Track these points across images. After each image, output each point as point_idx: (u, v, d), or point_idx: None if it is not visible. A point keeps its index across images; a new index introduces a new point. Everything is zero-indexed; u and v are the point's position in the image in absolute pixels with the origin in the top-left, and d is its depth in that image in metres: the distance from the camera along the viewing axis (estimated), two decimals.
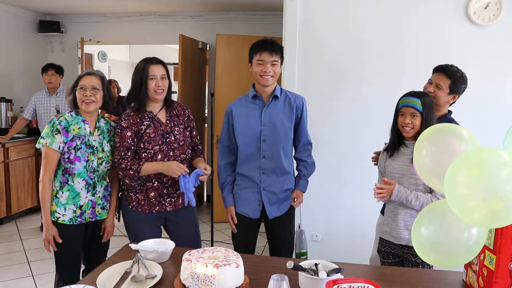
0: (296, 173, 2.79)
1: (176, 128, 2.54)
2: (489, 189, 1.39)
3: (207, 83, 6.13)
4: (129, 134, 2.45)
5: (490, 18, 3.41)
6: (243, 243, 2.69)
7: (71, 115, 2.49)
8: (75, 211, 2.47)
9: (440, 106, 2.48)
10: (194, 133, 2.66)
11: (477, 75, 3.44)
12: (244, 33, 5.34)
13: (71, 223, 2.47)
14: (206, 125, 6.16)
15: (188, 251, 1.74)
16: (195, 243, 2.61)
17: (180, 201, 2.58)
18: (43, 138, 2.42)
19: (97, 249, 2.66)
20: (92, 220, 2.54)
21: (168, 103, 2.57)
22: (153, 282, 1.70)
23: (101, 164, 2.51)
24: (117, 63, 8.67)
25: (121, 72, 8.67)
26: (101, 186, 2.56)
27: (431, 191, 2.18)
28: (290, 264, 1.64)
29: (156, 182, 2.50)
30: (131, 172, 2.40)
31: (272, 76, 2.50)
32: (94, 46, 7.24)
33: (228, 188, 2.72)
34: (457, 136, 1.62)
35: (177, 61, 5.21)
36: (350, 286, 1.50)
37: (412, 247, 2.17)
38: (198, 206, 5.64)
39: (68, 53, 6.55)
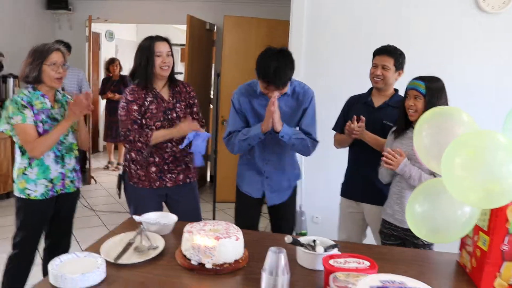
0: (301, 167, 2.81)
1: (177, 105, 2.58)
2: (486, 171, 1.42)
3: (213, 64, 6.14)
4: (135, 107, 2.48)
5: (499, 6, 3.39)
6: (246, 221, 2.72)
7: (29, 91, 2.46)
8: (46, 185, 2.48)
9: (389, 86, 2.61)
10: (195, 109, 2.68)
11: (485, 62, 3.46)
12: (252, 15, 5.33)
13: (44, 198, 2.48)
14: (211, 106, 6.19)
15: (189, 223, 1.78)
16: (196, 220, 2.66)
17: (181, 177, 2.62)
18: (12, 118, 2.36)
19: (62, 223, 2.68)
20: (63, 192, 2.56)
21: (172, 80, 2.60)
22: (156, 253, 1.75)
23: (67, 135, 2.54)
24: (124, 42, 8.67)
25: (128, 51, 8.67)
26: (70, 158, 2.59)
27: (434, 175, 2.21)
28: (288, 239, 1.68)
29: (157, 158, 2.54)
30: (139, 144, 2.45)
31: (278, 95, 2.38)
32: (101, 24, 7.25)
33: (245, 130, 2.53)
34: (457, 119, 1.65)
35: (184, 42, 5.22)
36: (346, 261, 1.55)
37: None
38: (201, 186, 5.71)
39: (75, 30, 6.57)
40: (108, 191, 5.74)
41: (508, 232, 1.55)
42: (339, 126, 2.82)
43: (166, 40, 2.53)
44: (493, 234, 1.57)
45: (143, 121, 2.50)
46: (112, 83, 6.57)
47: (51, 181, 2.49)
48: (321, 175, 3.76)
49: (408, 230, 2.26)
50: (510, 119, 1.59)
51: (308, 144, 2.53)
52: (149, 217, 2.03)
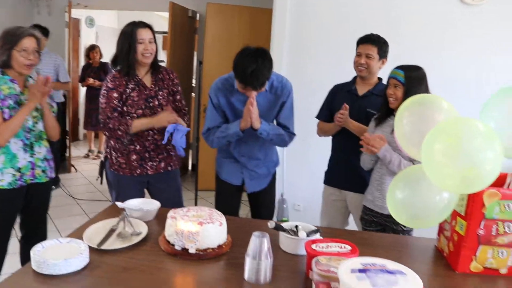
0: (283, 156, 2.81)
1: (160, 93, 2.55)
2: (464, 158, 1.46)
3: (195, 53, 6.10)
4: (115, 95, 2.46)
5: None
6: (226, 208, 2.72)
7: None
8: (14, 175, 2.38)
9: (373, 74, 2.65)
10: (179, 97, 2.66)
11: (466, 52, 3.52)
12: (235, 2, 5.30)
13: (11, 187, 2.38)
14: (193, 94, 6.16)
15: (173, 209, 1.79)
16: (178, 207, 2.66)
17: (163, 165, 2.62)
18: None
19: (36, 213, 2.62)
20: (33, 182, 2.46)
21: (154, 67, 2.58)
22: (139, 238, 1.75)
23: (36, 123, 2.45)
24: (104, 29, 8.54)
25: (109, 38, 8.54)
26: (40, 146, 2.49)
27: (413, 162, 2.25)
28: (271, 224, 1.70)
29: (138, 146, 2.53)
30: (119, 133, 2.43)
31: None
32: (81, 11, 7.11)
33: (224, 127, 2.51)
34: (437, 107, 1.68)
35: (166, 30, 5.18)
36: (328, 245, 1.57)
37: None
38: (183, 174, 5.70)
39: (54, 16, 6.43)
40: (88, 180, 5.68)
41: (484, 217, 1.60)
42: (323, 114, 2.85)
43: (149, 26, 2.50)
44: (470, 219, 1.62)
45: (124, 108, 2.48)
46: (92, 70, 6.47)
47: (19, 170, 2.39)
48: (303, 164, 3.79)
49: (388, 216, 2.32)
50: (488, 107, 1.63)
51: (286, 138, 2.54)
52: (132, 204, 2.02)
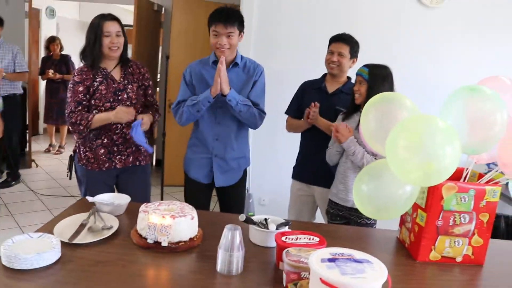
0: (249, 161, 2.81)
1: (129, 86, 2.55)
2: (425, 153, 1.54)
3: (160, 47, 6.05)
4: (81, 89, 2.44)
5: (437, 1, 3.60)
6: (195, 206, 2.70)
7: None
8: None
9: (344, 73, 2.74)
10: (150, 91, 2.66)
11: (423, 53, 3.67)
12: None
13: None
14: (158, 88, 6.11)
15: (144, 204, 1.81)
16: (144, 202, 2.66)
17: (131, 159, 2.61)
18: None
19: None
20: None
21: (123, 60, 2.57)
22: (110, 232, 1.76)
23: None
24: (66, 20, 8.32)
25: (70, 31, 8.35)
26: None
27: (374, 157, 2.35)
28: (242, 217, 1.75)
29: (105, 139, 2.51)
30: (81, 128, 2.41)
31: (228, 49, 2.42)
32: (41, 1, 6.93)
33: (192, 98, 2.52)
34: (401, 104, 1.76)
35: (131, 23, 5.12)
36: (298, 237, 1.63)
37: (357, 209, 2.34)
38: None
39: (12, 5, 6.21)
40: (50, 175, 5.56)
41: (442, 209, 1.70)
42: (292, 110, 2.91)
43: (116, 19, 2.48)
44: (430, 210, 1.71)
45: (92, 101, 2.46)
46: (53, 62, 6.33)
47: None
48: (268, 159, 3.86)
49: (352, 209, 2.41)
50: (447, 106, 1.73)
51: (255, 113, 2.51)
52: (102, 198, 2.03)
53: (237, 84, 2.51)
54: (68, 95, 2.47)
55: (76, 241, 1.68)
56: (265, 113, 2.61)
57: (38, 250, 1.50)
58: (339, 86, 2.73)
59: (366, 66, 2.35)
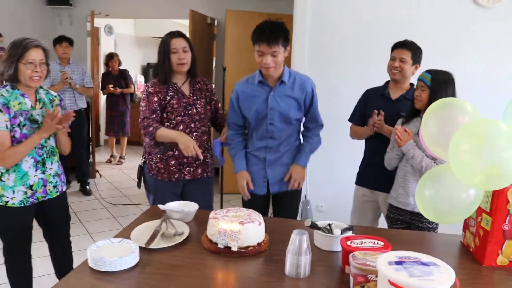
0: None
1: (198, 102, 2.66)
2: (488, 157, 1.55)
3: (214, 58, 6.23)
4: (155, 99, 2.57)
5: (494, 0, 3.53)
6: None
7: (7, 90, 2.29)
8: (25, 192, 2.35)
9: (406, 78, 2.73)
10: (219, 105, 2.80)
11: (482, 55, 3.59)
12: (253, 9, 5.42)
13: (22, 205, 2.35)
14: None
15: (213, 211, 1.91)
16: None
17: (199, 171, 2.71)
18: None
19: (55, 225, 2.62)
20: (45, 199, 2.45)
21: (192, 75, 2.68)
22: (182, 238, 1.87)
23: (48, 139, 2.42)
24: (122, 36, 8.73)
25: (126, 46, 8.75)
26: (51, 162, 2.46)
27: (434, 161, 2.35)
28: (307, 222, 1.81)
29: (176, 151, 2.61)
30: (150, 129, 2.51)
31: (273, 67, 2.38)
32: (100, 19, 7.31)
33: (240, 154, 2.64)
34: (461, 110, 1.78)
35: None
36: (362, 242, 1.68)
37: (419, 214, 2.36)
38: None
39: (76, 26, 6.61)
40: (113, 184, 5.85)
41: (509, 213, 1.70)
42: (356, 118, 2.94)
43: (182, 36, 2.59)
44: (495, 214, 1.71)
45: (164, 115, 2.59)
46: (112, 77, 6.66)
47: (30, 187, 2.37)
48: (325, 166, 3.89)
49: (413, 213, 2.42)
50: (510, 108, 1.73)
51: (319, 141, 2.70)
52: (172, 206, 2.15)
53: (287, 100, 2.49)
54: (142, 104, 2.61)
55: (152, 246, 1.80)
56: (323, 125, 2.69)
57: (121, 254, 1.63)
58: (402, 92, 2.74)
59: (428, 72, 2.36)
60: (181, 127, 2.60)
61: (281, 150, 2.60)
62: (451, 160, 1.61)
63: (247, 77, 2.59)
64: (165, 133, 2.51)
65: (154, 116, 2.57)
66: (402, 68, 2.66)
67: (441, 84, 2.29)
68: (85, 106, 5.35)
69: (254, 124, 2.58)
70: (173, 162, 2.65)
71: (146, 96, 2.60)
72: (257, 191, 2.65)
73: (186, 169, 2.68)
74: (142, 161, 2.79)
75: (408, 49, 2.64)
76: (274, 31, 2.31)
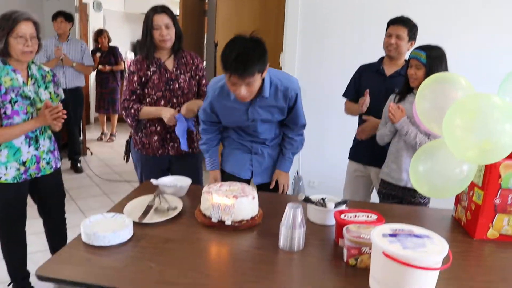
0: None
1: (182, 76, 2.62)
2: (481, 131, 1.55)
3: (205, 35, 6.16)
4: (135, 78, 2.56)
5: None
6: None
7: None
8: (18, 169, 2.33)
9: (401, 55, 2.71)
10: (204, 81, 2.72)
11: (481, 30, 3.55)
12: None
13: (15, 182, 2.33)
14: None
15: (207, 185, 1.91)
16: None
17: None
18: None
19: (50, 202, 2.61)
20: (38, 175, 2.43)
21: (175, 51, 2.63)
22: (175, 212, 1.88)
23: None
24: (111, 13, 8.56)
25: (116, 22, 8.60)
26: (44, 139, 2.43)
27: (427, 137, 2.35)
28: (301, 196, 1.82)
29: (159, 127, 2.61)
30: (132, 111, 2.53)
31: (249, 96, 2.06)
32: None
33: (213, 151, 2.46)
34: (455, 84, 1.77)
35: (177, 13, 5.23)
36: (356, 215, 1.69)
37: (411, 189, 2.38)
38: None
39: (63, 1, 6.43)
40: (104, 162, 5.82)
41: (500, 187, 1.71)
42: (350, 94, 2.92)
43: (165, 11, 2.51)
44: (487, 189, 1.73)
45: (145, 90, 2.57)
46: (101, 54, 6.56)
47: (23, 163, 2.35)
48: (317, 142, 3.89)
49: (406, 189, 2.44)
50: (505, 83, 1.73)
51: (300, 145, 2.47)
52: (165, 180, 2.14)
53: (269, 109, 2.25)
54: (125, 83, 2.60)
55: (145, 221, 1.80)
56: (305, 124, 2.42)
57: (114, 229, 1.63)
58: (397, 68, 2.72)
59: (421, 49, 2.32)
60: (162, 102, 2.58)
61: (267, 144, 2.44)
62: (445, 135, 1.61)
63: (221, 83, 2.18)
64: (147, 111, 2.55)
65: (134, 97, 2.57)
66: (398, 45, 2.64)
67: (436, 60, 2.28)
68: (82, 84, 5.29)
69: (234, 127, 2.42)
70: (156, 137, 2.65)
71: (128, 75, 2.59)
72: (242, 175, 2.46)
73: (170, 144, 2.67)
74: (128, 136, 2.79)
75: (404, 25, 2.62)
76: (248, 61, 1.90)
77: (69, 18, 5.00)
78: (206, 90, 2.63)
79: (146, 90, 2.58)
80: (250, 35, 1.98)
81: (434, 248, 1.29)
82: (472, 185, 1.81)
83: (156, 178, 2.19)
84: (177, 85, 2.60)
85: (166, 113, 2.49)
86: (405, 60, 2.73)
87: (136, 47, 8.97)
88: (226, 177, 2.46)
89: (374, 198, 2.97)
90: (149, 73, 2.56)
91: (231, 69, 1.91)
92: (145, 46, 2.54)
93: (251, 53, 1.90)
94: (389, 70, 2.75)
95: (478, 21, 3.56)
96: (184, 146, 2.55)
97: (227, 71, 1.95)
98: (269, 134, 2.40)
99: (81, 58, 5.10)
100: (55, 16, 4.95)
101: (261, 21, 4.49)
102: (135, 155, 2.76)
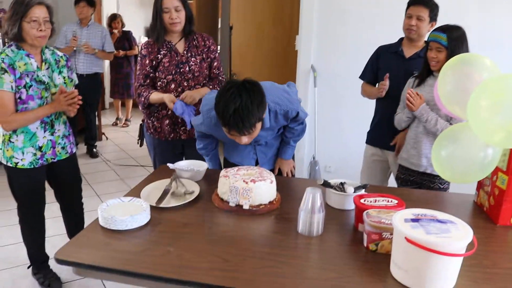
0: (315, 119, 2.76)
1: (192, 59, 2.59)
2: (509, 113, 1.51)
3: (219, 19, 6.10)
4: (147, 62, 2.55)
5: None
6: None
7: (12, 50, 2.23)
8: (35, 154, 2.34)
9: (421, 36, 2.63)
10: (216, 64, 2.67)
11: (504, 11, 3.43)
12: None
13: (32, 167, 2.35)
14: None
15: (224, 169, 1.89)
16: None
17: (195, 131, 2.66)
18: None
19: (66, 187, 2.63)
20: (54, 160, 2.44)
21: (187, 33, 2.60)
22: (192, 197, 1.86)
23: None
24: None
25: (129, 6, 8.56)
26: (59, 124, 2.44)
27: (449, 121, 2.30)
28: (320, 180, 1.79)
29: (170, 111, 2.57)
30: (142, 99, 2.54)
31: (251, 139, 1.95)
32: None
33: (213, 154, 2.39)
34: (480, 65, 1.72)
35: None
36: (376, 200, 1.66)
37: (430, 174, 2.33)
38: None
39: None
40: (119, 147, 5.84)
41: None
42: (367, 75, 2.87)
43: None
44: None
45: (156, 74, 2.56)
46: (116, 39, 6.54)
47: (40, 149, 2.36)
48: (333, 126, 3.85)
49: (425, 174, 2.39)
50: None
51: (301, 133, 2.32)
52: (182, 165, 2.13)
53: (269, 132, 2.20)
54: (138, 67, 2.60)
55: (162, 205, 1.79)
56: (307, 115, 2.27)
57: (131, 213, 1.62)
58: (416, 50, 2.65)
59: (441, 30, 2.24)
60: (173, 85, 2.57)
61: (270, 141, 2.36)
62: (470, 117, 1.57)
63: (211, 115, 2.02)
64: (155, 97, 2.52)
65: (148, 81, 2.56)
66: (419, 27, 2.56)
67: (457, 41, 2.21)
68: (101, 70, 5.28)
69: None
70: (167, 121, 2.64)
71: (140, 59, 2.59)
72: (246, 163, 2.35)
73: (181, 128, 2.66)
74: (142, 120, 2.80)
75: (425, 6, 2.53)
76: (246, 115, 1.77)
77: (91, 3, 4.94)
78: (220, 72, 2.65)
79: (156, 74, 2.57)
80: (243, 80, 1.84)
81: (458, 234, 1.25)
82: (496, 170, 1.76)
83: (170, 162, 2.18)
84: (187, 68, 2.57)
85: (167, 99, 2.45)
86: (425, 41, 2.66)
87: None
88: (230, 166, 2.25)
89: (391, 183, 2.93)
90: (159, 56, 2.55)
91: (229, 125, 1.80)
92: (155, 29, 2.53)
93: (248, 106, 1.76)
94: (408, 51, 2.68)
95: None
96: (190, 125, 2.48)
97: (225, 126, 1.84)
98: (270, 136, 2.31)
99: (102, 44, 5.05)
100: (77, 1, 4.90)
101: (276, 3, 4.42)
102: (148, 139, 2.77)
